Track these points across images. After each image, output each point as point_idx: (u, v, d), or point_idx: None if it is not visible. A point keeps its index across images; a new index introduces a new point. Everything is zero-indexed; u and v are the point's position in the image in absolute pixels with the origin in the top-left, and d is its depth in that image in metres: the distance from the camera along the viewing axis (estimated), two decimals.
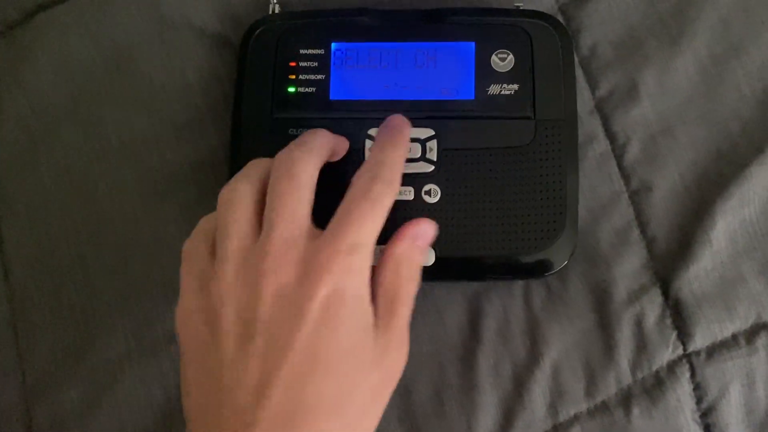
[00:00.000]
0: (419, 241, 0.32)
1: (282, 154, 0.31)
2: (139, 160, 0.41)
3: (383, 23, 0.38)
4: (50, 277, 0.40)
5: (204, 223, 0.32)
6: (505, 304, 0.38)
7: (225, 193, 0.31)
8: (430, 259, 0.36)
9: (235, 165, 0.37)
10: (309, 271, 0.28)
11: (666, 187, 0.39)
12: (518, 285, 0.38)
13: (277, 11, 0.40)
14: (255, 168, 0.32)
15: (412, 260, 0.32)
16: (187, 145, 0.41)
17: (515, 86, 0.37)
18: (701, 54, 0.40)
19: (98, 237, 0.40)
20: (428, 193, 0.36)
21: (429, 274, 0.35)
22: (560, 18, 0.41)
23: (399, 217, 0.35)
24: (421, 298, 0.37)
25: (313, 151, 0.32)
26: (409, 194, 0.36)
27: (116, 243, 0.40)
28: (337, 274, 0.28)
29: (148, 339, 0.39)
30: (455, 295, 0.39)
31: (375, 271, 0.30)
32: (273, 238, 0.29)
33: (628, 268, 0.38)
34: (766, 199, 0.38)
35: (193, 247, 0.31)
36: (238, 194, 0.31)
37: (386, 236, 0.34)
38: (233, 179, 0.32)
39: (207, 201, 0.38)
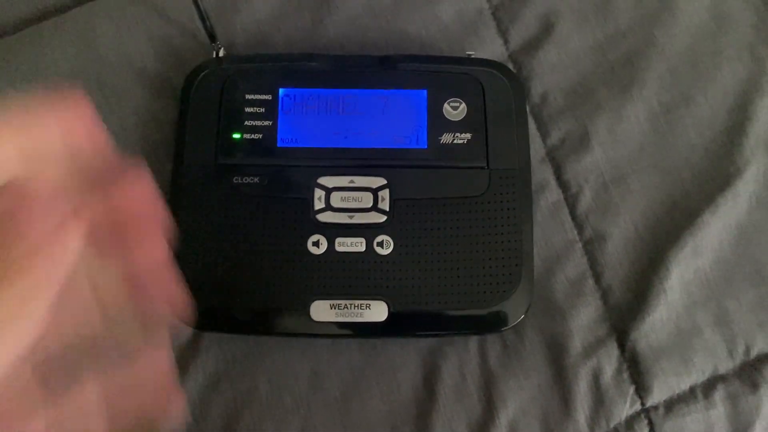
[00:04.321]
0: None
1: None
2: None
3: (333, 69, 0.37)
4: None
5: None
6: (461, 360, 0.37)
7: None
8: (383, 314, 0.34)
9: (175, 213, 0.36)
10: None
11: (619, 236, 0.38)
12: (474, 340, 0.37)
13: (221, 54, 0.39)
14: None
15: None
16: None
17: (468, 135, 0.36)
18: (651, 102, 0.40)
19: None
20: (380, 244, 0.35)
21: (381, 329, 0.35)
22: (511, 66, 0.41)
23: (351, 268, 0.35)
24: (373, 354, 0.36)
25: None
26: (360, 246, 0.35)
27: None
28: None
29: None
30: (409, 352, 0.37)
31: None
32: None
33: (584, 319, 0.37)
34: (719, 248, 0.38)
35: None
36: None
37: (336, 287, 0.34)
38: None
39: None
